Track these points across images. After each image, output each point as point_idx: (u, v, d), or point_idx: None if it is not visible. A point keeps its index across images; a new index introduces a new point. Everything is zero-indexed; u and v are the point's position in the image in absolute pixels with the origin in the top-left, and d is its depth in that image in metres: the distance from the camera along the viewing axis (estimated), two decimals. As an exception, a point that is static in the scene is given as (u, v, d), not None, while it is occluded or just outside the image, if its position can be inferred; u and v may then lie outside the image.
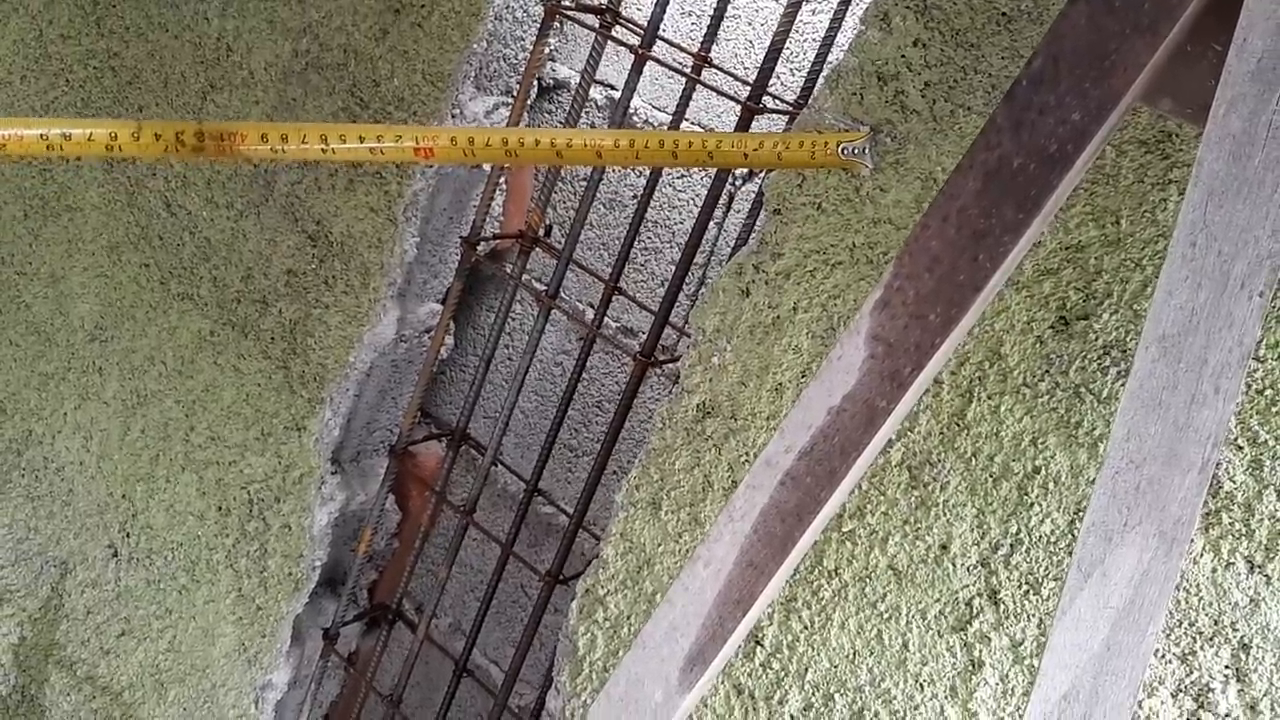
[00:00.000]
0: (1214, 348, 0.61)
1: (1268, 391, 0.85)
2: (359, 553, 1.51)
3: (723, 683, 1.11)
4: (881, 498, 1.02)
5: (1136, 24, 0.64)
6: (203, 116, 1.46)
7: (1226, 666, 0.89)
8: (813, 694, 1.07)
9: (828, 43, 1.15)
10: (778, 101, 1.26)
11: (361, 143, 0.88)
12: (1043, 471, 0.94)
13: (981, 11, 0.92)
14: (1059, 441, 0.93)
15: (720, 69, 1.27)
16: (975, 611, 0.98)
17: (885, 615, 1.02)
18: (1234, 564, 0.87)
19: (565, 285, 1.57)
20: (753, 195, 1.24)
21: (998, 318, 0.95)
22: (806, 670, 1.07)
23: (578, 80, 1.27)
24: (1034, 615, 0.95)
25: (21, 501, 1.76)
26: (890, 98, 0.97)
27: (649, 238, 1.48)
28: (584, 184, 1.42)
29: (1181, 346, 0.61)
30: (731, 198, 1.37)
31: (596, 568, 1.20)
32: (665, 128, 1.39)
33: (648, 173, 1.26)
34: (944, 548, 0.99)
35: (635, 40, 1.20)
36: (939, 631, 1.00)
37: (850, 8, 1.16)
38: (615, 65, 1.49)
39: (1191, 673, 0.90)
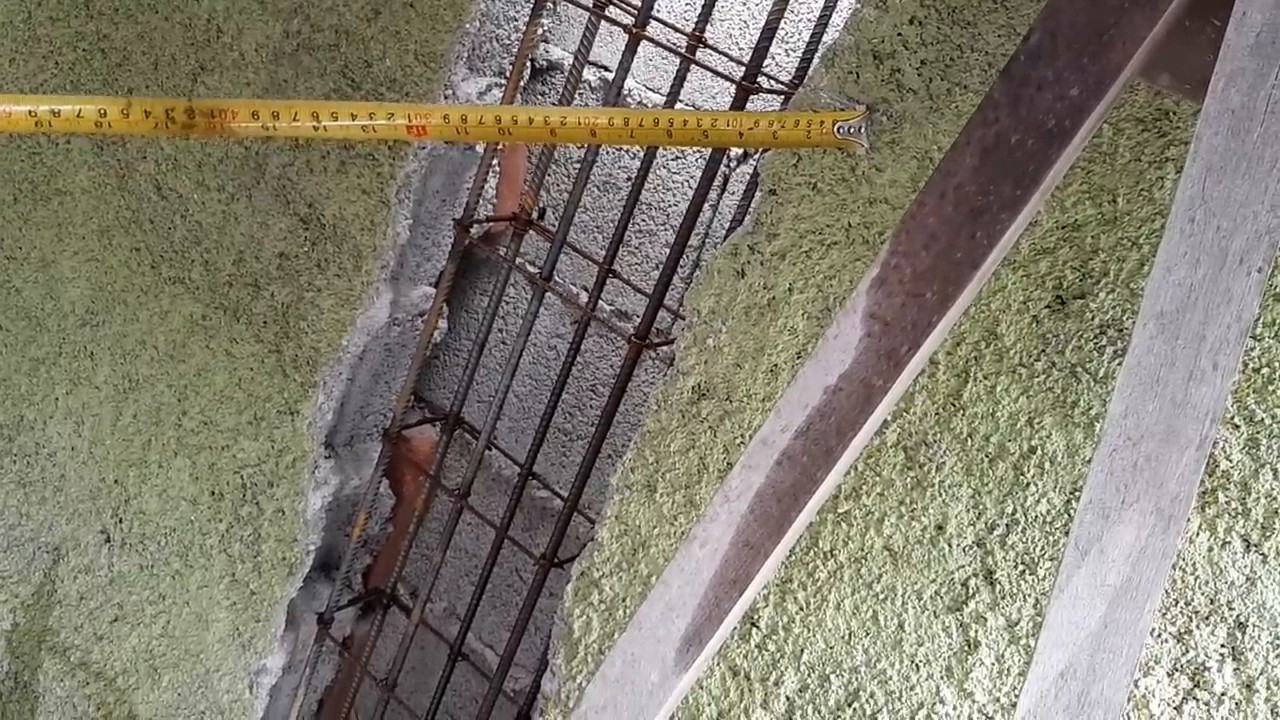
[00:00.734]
0: (1212, 323, 0.60)
1: (1264, 370, 0.85)
2: (353, 537, 1.50)
3: (718, 664, 1.11)
4: (877, 478, 1.01)
5: (1135, -2, 0.64)
6: (193, 98, 1.45)
7: (1222, 645, 0.89)
8: (808, 675, 1.07)
9: (823, 22, 1.14)
10: (773, 82, 1.25)
11: (354, 120, 0.87)
12: (1039, 451, 0.94)
13: (978, -12, 0.91)
14: (1055, 421, 0.93)
15: (715, 49, 1.26)
16: (971, 592, 0.98)
17: (881, 596, 1.02)
18: (1230, 543, 0.87)
19: (559, 268, 1.56)
20: (747, 177, 1.23)
21: (994, 297, 0.94)
22: (802, 651, 1.07)
23: (571, 61, 1.26)
24: (1030, 595, 0.95)
25: (13, 487, 1.76)
26: (886, 76, 0.96)
27: (643, 220, 1.47)
28: (578, 166, 1.41)
29: (1179, 323, 0.61)
30: (726, 179, 1.36)
31: (591, 551, 1.19)
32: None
33: (642, 154, 1.25)
34: (940, 528, 0.99)
35: (629, 20, 1.19)
36: (935, 612, 1.00)
37: (846, -13, 1.15)
38: (609, 46, 1.47)
39: (1187, 651, 0.90)
